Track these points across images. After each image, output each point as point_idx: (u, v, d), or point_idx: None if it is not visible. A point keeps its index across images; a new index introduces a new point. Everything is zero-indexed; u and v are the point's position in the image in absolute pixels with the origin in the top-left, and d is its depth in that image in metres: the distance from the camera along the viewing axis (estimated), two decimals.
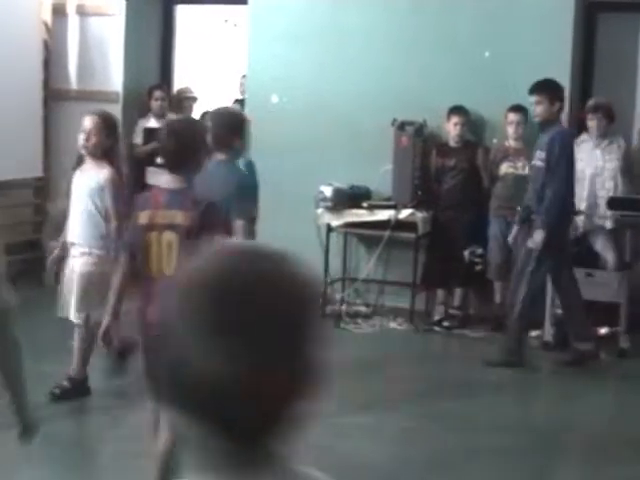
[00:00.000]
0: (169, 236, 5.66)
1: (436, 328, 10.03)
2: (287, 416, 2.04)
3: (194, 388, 1.98)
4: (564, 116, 10.05)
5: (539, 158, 8.93)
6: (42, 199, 12.04)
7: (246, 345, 1.98)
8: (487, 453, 6.97)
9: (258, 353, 1.99)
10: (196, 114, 12.61)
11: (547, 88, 8.98)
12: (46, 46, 11.78)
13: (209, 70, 14.24)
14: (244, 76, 12.35)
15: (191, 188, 5.85)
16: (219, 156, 6.85)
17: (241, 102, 12.05)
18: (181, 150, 5.84)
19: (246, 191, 6.89)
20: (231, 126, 7.12)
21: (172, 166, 5.85)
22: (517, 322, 8.92)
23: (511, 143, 9.96)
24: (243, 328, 1.99)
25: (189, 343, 1.98)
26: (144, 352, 5.60)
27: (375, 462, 6.78)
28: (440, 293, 10.36)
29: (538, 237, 8.68)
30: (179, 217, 5.68)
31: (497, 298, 10.02)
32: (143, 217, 5.75)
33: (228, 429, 1.99)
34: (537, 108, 8.95)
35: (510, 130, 9.89)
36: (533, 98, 8.98)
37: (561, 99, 9.01)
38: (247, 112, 11.27)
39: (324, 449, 6.17)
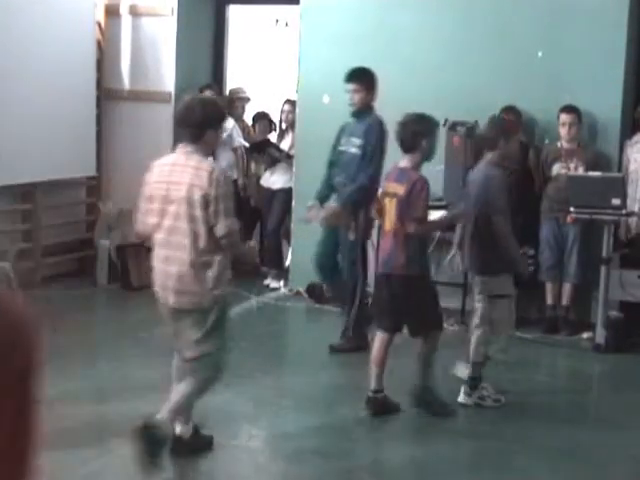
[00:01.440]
0: (390, 202, 7.56)
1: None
2: None
3: None
4: (619, 115, 10.13)
5: (353, 145, 9.03)
6: (95, 198, 12.15)
7: None
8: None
9: None
10: (248, 114, 12.72)
11: (364, 77, 9.10)
12: (99, 46, 11.91)
13: (260, 70, 14.26)
14: (286, 102, 12.38)
15: (414, 168, 7.58)
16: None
17: (291, 101, 12.08)
18: (415, 139, 7.54)
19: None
20: None
21: (406, 150, 7.59)
22: (356, 305, 9.03)
23: (563, 144, 9.93)
24: None
25: None
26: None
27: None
28: None
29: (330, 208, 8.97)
30: (399, 189, 7.48)
31: (549, 299, 10.01)
32: (384, 186, 7.87)
33: None
34: (355, 96, 9.03)
35: (563, 131, 9.86)
36: (350, 86, 9.07)
37: (375, 88, 9.10)
38: (298, 112, 11.37)
39: None
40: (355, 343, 9.01)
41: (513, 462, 6.90)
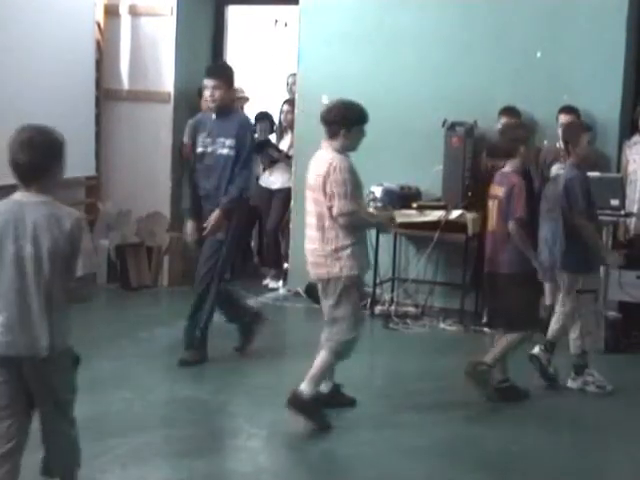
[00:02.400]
0: (493, 203, 8.01)
1: (485, 329, 9.97)
2: None
3: None
4: (617, 116, 10.14)
5: (224, 145, 8.62)
6: (94, 198, 12.13)
7: None
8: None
9: None
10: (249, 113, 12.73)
11: (224, 73, 8.80)
12: (99, 46, 11.91)
13: (260, 70, 14.26)
14: (292, 75, 12.41)
15: (515, 172, 7.96)
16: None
17: (290, 102, 12.12)
18: (514, 146, 8.00)
19: None
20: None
21: (505, 156, 8.07)
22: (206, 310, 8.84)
23: (562, 145, 9.96)
24: None
25: None
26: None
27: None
28: None
29: (215, 217, 8.58)
30: (500, 191, 7.89)
31: (548, 300, 9.99)
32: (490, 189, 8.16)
33: None
34: (215, 93, 8.57)
35: (561, 131, 9.89)
36: (210, 82, 8.63)
37: (234, 84, 8.92)
38: (297, 112, 11.39)
39: None
40: (201, 355, 8.79)
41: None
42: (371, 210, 9.88)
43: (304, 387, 7.23)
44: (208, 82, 8.63)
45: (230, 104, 8.82)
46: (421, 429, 7.44)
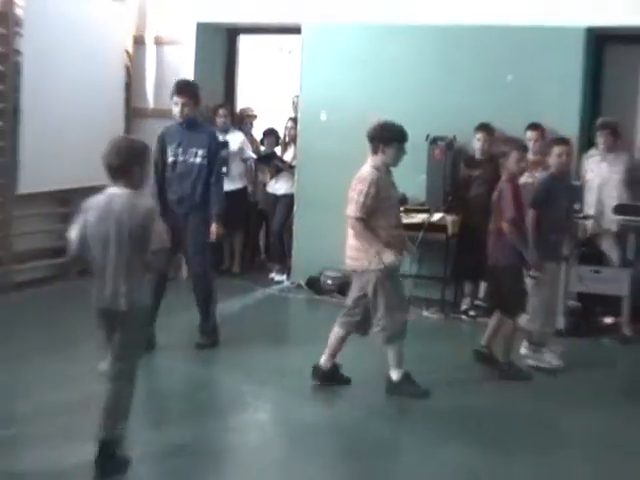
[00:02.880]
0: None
1: (463, 317, 10.07)
2: None
3: None
4: (577, 132, 10.18)
5: (196, 155, 8.56)
6: None
7: None
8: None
9: None
10: (256, 130, 12.78)
11: (191, 90, 8.65)
12: (128, 71, 11.94)
13: (267, 91, 14.22)
14: (296, 96, 12.47)
15: (505, 179, 8.14)
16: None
17: (294, 119, 12.18)
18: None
19: None
20: None
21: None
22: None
23: (530, 156, 9.99)
24: None
25: None
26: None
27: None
28: (467, 286, 10.40)
29: (215, 228, 8.65)
30: (495, 195, 8.13)
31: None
32: None
33: None
34: (184, 109, 8.47)
35: (529, 145, 9.91)
36: (179, 99, 8.51)
37: (200, 100, 8.75)
38: (299, 128, 11.45)
39: None
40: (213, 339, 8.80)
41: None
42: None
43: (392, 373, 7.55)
44: (177, 99, 8.53)
45: (196, 117, 8.75)
46: (410, 402, 7.54)
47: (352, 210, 7.38)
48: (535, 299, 8.38)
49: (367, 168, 7.48)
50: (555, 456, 6.48)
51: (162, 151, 8.65)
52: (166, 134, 8.76)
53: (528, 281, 8.28)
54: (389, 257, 7.32)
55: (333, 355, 7.68)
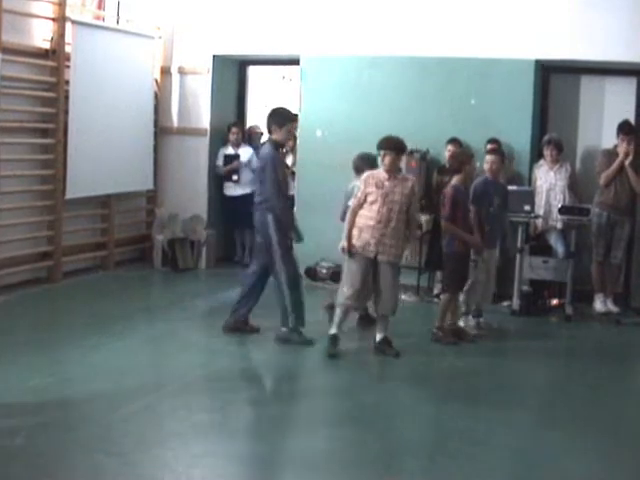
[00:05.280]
0: None
1: (435, 300, 9.92)
2: None
3: None
4: (528, 146, 10.26)
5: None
6: (152, 205, 12.16)
7: None
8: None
9: None
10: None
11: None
12: (156, 96, 11.90)
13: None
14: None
15: (453, 185, 8.41)
16: None
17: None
18: (458, 167, 8.49)
19: None
20: None
21: (450, 173, 8.63)
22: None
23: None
24: None
25: None
26: None
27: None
28: (438, 274, 10.15)
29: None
30: None
31: None
32: None
33: None
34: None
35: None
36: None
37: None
38: (299, 142, 11.33)
39: None
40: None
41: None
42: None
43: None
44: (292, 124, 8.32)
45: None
46: (395, 365, 7.74)
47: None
48: (474, 278, 8.62)
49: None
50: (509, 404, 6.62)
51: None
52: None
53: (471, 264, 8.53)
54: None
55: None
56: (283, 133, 8.17)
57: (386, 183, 7.75)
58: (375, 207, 7.72)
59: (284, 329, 8.20)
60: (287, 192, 8.45)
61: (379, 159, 7.88)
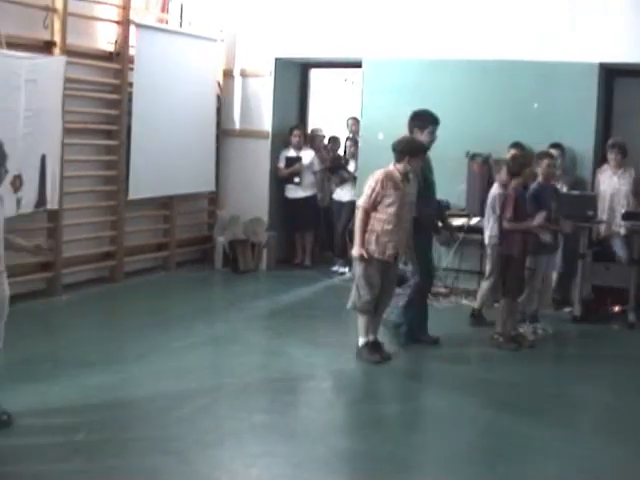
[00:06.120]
0: None
1: (496, 304, 9.98)
2: None
3: None
4: (591, 151, 10.16)
5: None
6: (214, 206, 12.25)
7: None
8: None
9: None
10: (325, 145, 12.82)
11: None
12: (219, 98, 11.96)
13: (333, 115, 14.18)
14: (350, 118, 12.40)
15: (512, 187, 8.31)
16: None
17: (350, 139, 12.17)
18: (518, 170, 8.29)
19: None
20: None
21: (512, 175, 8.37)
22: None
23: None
24: None
25: None
26: None
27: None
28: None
29: None
30: None
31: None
32: None
33: None
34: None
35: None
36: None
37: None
38: (361, 144, 11.42)
39: None
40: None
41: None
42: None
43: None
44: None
45: None
46: (446, 368, 7.71)
47: (361, 201, 7.68)
48: (530, 285, 8.63)
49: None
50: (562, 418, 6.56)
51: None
52: None
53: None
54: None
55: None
56: (426, 136, 8.09)
57: (401, 184, 7.60)
58: (393, 210, 7.52)
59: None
60: (431, 195, 8.27)
61: (398, 163, 7.62)
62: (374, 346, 7.77)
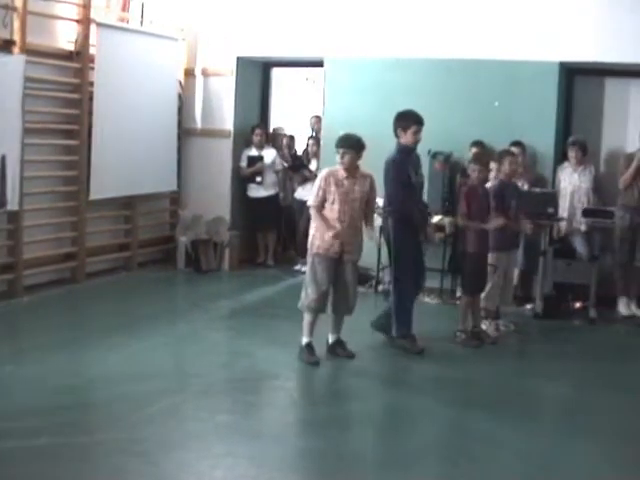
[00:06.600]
0: None
1: (457, 302, 9.85)
2: None
3: None
4: (552, 148, 10.24)
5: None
6: (176, 206, 12.21)
7: None
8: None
9: None
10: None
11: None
12: (180, 98, 11.94)
13: (294, 114, 14.10)
14: (313, 117, 12.41)
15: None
16: None
17: (313, 137, 12.13)
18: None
19: None
20: None
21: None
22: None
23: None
24: None
25: None
26: None
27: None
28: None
29: None
30: None
31: None
32: None
33: None
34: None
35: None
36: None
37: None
38: (323, 143, 11.34)
39: None
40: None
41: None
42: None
43: None
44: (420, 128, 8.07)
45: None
46: (416, 368, 7.72)
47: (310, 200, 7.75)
48: (492, 282, 8.65)
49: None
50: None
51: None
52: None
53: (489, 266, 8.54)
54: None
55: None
56: (409, 136, 8.07)
57: (345, 182, 7.61)
58: (336, 207, 7.55)
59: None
60: (415, 196, 8.23)
61: (337, 157, 7.66)
62: (337, 345, 7.82)
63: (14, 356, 7.44)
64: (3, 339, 8.03)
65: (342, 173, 7.63)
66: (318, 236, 7.60)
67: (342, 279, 7.71)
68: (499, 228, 8.44)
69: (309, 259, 7.69)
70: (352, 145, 7.62)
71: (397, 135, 8.12)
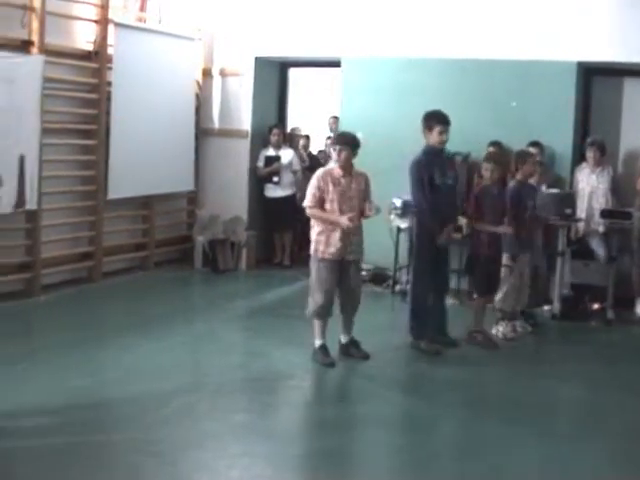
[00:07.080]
0: None
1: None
2: None
3: None
4: (570, 149, 10.19)
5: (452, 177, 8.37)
6: (193, 206, 12.25)
7: None
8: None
9: None
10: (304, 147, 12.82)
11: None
12: (198, 98, 11.98)
13: (312, 114, 14.17)
14: (331, 117, 12.49)
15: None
16: None
17: (331, 137, 12.14)
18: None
19: None
20: None
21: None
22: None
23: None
24: None
25: None
26: None
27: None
28: None
29: None
30: None
31: None
32: None
33: None
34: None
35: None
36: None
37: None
38: None
39: None
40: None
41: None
42: None
43: None
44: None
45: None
46: (424, 368, 7.68)
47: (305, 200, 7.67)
48: (507, 283, 8.60)
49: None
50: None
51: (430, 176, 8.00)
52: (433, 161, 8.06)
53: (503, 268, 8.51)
54: None
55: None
56: (435, 136, 8.02)
57: (342, 180, 7.55)
58: (335, 206, 7.51)
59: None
60: (441, 198, 8.10)
61: (334, 155, 7.61)
62: (351, 345, 7.81)
63: (30, 355, 7.46)
64: (19, 338, 8.07)
65: (338, 172, 7.57)
66: (323, 240, 7.51)
67: (347, 279, 7.66)
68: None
69: (314, 265, 7.56)
70: (348, 142, 7.58)
71: (425, 136, 8.09)
